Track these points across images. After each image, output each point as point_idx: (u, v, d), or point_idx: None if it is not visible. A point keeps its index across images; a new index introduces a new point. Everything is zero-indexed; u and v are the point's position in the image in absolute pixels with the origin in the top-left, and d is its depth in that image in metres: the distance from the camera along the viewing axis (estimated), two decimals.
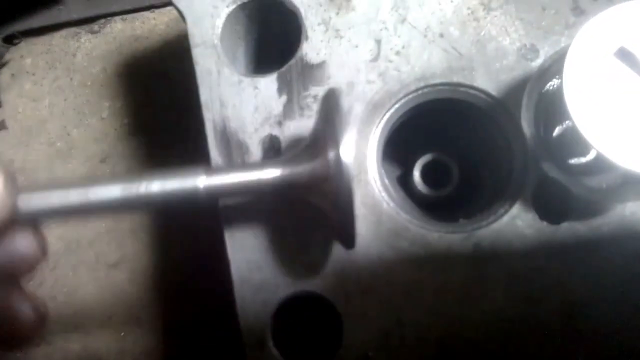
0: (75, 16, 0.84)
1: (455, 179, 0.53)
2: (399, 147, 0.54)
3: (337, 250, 0.46)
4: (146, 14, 0.85)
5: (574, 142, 0.48)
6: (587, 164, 0.49)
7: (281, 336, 0.46)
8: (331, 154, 0.37)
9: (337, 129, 0.37)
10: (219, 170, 0.40)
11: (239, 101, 0.49)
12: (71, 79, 0.84)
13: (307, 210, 0.44)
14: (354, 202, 0.37)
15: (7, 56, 0.86)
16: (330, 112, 0.39)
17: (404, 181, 0.56)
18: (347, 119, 0.48)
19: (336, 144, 0.36)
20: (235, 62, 0.54)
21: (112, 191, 0.37)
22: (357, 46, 0.48)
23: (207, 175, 0.38)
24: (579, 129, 0.39)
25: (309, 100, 0.48)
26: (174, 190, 0.37)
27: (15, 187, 0.35)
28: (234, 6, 0.50)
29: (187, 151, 0.76)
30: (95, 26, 0.87)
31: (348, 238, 0.40)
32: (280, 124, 0.48)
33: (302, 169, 0.39)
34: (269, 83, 0.49)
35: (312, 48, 0.49)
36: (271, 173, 0.39)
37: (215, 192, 0.38)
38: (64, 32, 0.86)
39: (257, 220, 0.47)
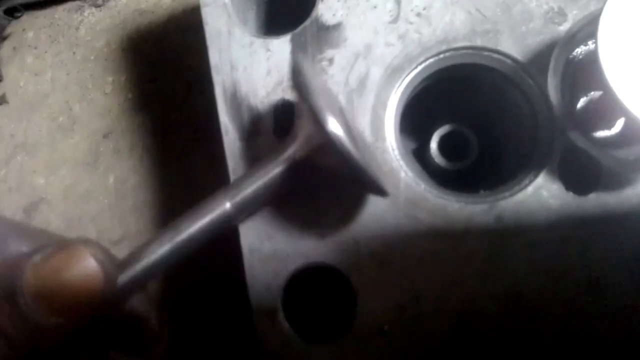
0: None
1: (474, 151, 0.50)
2: (415, 118, 0.52)
3: (351, 221, 0.44)
4: None
5: (601, 112, 0.46)
6: (612, 137, 0.47)
7: (292, 309, 0.44)
8: (311, 129, 0.37)
9: (312, 101, 0.36)
10: (236, 188, 0.40)
11: (250, 63, 0.46)
12: (74, 53, 0.82)
13: (318, 177, 0.42)
14: (361, 161, 0.36)
15: (9, 29, 0.84)
16: (301, 85, 0.38)
17: (420, 155, 0.54)
18: (364, 84, 0.45)
19: (317, 118, 0.35)
20: (246, 23, 0.52)
21: (163, 249, 0.38)
22: (375, 7, 0.46)
23: (230, 202, 0.39)
24: (617, 95, 0.37)
25: (325, 63, 0.46)
26: (211, 227, 0.39)
27: (112, 275, 0.36)
28: None
29: (192, 127, 0.74)
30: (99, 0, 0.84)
31: (377, 192, 0.40)
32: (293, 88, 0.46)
33: (297, 151, 0.39)
34: (282, 45, 0.46)
35: (328, 8, 0.47)
36: (277, 168, 0.40)
37: (243, 209, 0.40)
38: (67, 6, 0.84)
39: None
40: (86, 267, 0.34)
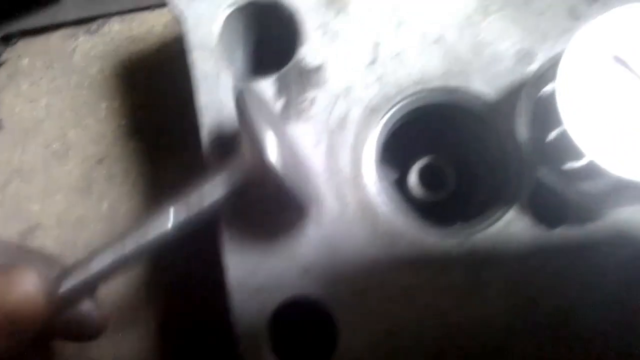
0: (72, 16, 0.84)
1: (451, 183, 0.53)
2: (396, 151, 0.54)
3: (333, 254, 0.46)
4: (144, 14, 0.84)
5: (567, 148, 0.48)
6: (581, 169, 0.49)
7: (278, 341, 0.46)
8: (247, 157, 0.40)
9: (253, 129, 0.39)
10: (182, 204, 0.42)
11: None
12: (68, 79, 0.84)
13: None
14: (292, 187, 0.39)
15: (4, 56, 0.86)
16: (241, 114, 0.41)
17: (401, 185, 0.56)
18: (344, 124, 0.48)
19: (250, 135, 0.39)
20: (233, 64, 0.54)
21: (105, 259, 0.40)
22: (354, 50, 0.49)
23: (171, 220, 0.41)
24: (571, 135, 0.40)
25: (307, 104, 0.48)
26: (152, 242, 0.41)
27: (54, 295, 0.37)
28: (231, 9, 0.50)
29: (186, 151, 0.76)
30: (92, 26, 0.86)
31: (299, 209, 0.43)
32: None
33: (235, 176, 0.41)
34: (266, 86, 0.49)
35: (310, 51, 0.49)
36: (215, 188, 0.42)
37: (183, 226, 0.42)
38: (61, 33, 0.86)
39: (255, 224, 0.47)
40: (26, 292, 0.34)
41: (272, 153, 0.38)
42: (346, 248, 0.46)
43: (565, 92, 0.40)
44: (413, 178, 0.54)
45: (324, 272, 0.46)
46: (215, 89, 0.49)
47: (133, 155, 0.78)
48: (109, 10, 0.83)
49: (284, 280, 0.46)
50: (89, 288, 0.41)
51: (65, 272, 0.40)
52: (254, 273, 0.46)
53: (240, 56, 0.56)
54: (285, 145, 0.43)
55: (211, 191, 0.42)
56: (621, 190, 0.45)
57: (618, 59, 0.41)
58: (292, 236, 0.46)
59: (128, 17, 0.84)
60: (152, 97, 0.80)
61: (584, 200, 0.45)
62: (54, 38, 0.85)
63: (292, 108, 0.48)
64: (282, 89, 0.49)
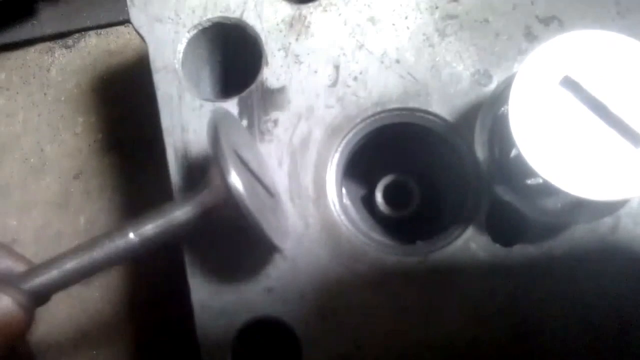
0: (49, 31, 0.84)
1: (416, 200, 0.53)
2: (362, 168, 0.55)
3: (296, 274, 0.47)
4: (120, 28, 0.85)
5: (523, 167, 0.49)
6: (537, 187, 0.50)
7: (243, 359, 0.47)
8: (217, 183, 0.41)
9: (218, 156, 0.40)
10: (142, 224, 0.43)
11: (200, 126, 0.49)
12: (45, 94, 0.84)
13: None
14: (257, 218, 0.40)
15: None
16: (211, 141, 0.42)
17: (367, 201, 0.57)
18: (306, 144, 0.49)
19: (220, 172, 0.40)
20: (200, 85, 0.55)
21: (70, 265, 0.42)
22: (316, 71, 0.49)
23: (134, 234, 0.43)
24: (524, 156, 0.41)
25: (270, 124, 0.49)
26: (115, 254, 0.43)
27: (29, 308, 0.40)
28: (195, 31, 0.51)
29: (162, 167, 0.76)
30: (69, 41, 0.87)
31: (271, 247, 0.43)
32: None
33: (201, 202, 0.43)
34: (230, 107, 0.49)
35: (272, 73, 0.50)
36: (181, 213, 0.43)
37: (146, 244, 0.43)
38: (38, 47, 0.86)
39: (218, 243, 0.47)
40: (6, 307, 0.38)
41: (237, 181, 0.39)
42: (309, 268, 0.47)
43: (517, 114, 0.41)
44: (379, 195, 0.54)
45: (287, 291, 0.46)
46: (178, 110, 0.50)
47: (109, 170, 0.78)
48: (86, 24, 0.83)
49: (248, 300, 0.46)
50: (55, 287, 0.42)
51: (33, 270, 0.42)
52: (217, 294, 0.46)
53: (207, 76, 0.56)
54: (256, 173, 0.44)
55: (179, 212, 0.43)
56: (575, 207, 0.46)
57: (569, 80, 0.42)
58: (255, 257, 0.47)
59: (105, 31, 0.84)
60: (129, 111, 0.80)
61: (542, 216, 0.46)
62: (31, 52, 0.85)
63: (255, 129, 0.49)
64: (245, 109, 0.49)
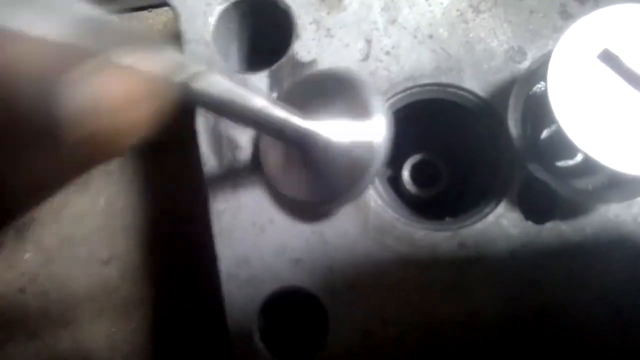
0: None
1: (444, 179, 0.53)
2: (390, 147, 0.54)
3: (324, 247, 0.46)
4: (143, 13, 0.85)
5: (561, 145, 0.48)
6: (574, 166, 0.50)
7: (269, 331, 0.46)
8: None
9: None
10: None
11: None
12: None
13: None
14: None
15: None
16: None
17: (394, 182, 0.57)
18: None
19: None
20: (228, 59, 0.55)
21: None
22: (347, 45, 0.49)
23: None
24: (565, 132, 0.40)
25: None
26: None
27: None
28: (227, 4, 0.51)
29: (182, 148, 0.77)
30: None
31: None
32: None
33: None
34: (260, 80, 0.49)
35: (303, 47, 0.50)
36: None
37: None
38: None
39: (245, 214, 0.47)
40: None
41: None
42: (337, 241, 0.46)
43: (556, 90, 0.41)
44: (406, 174, 0.54)
45: (315, 264, 0.46)
46: None
47: (130, 152, 0.79)
48: (108, 10, 0.84)
49: (275, 271, 0.46)
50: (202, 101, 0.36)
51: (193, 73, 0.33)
52: (245, 264, 0.46)
53: (234, 51, 0.57)
54: None
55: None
56: (612, 186, 0.46)
57: (608, 54, 0.41)
58: (283, 228, 0.47)
59: (127, 16, 0.85)
60: None
61: (575, 196, 0.46)
62: None
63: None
64: (275, 83, 0.49)
